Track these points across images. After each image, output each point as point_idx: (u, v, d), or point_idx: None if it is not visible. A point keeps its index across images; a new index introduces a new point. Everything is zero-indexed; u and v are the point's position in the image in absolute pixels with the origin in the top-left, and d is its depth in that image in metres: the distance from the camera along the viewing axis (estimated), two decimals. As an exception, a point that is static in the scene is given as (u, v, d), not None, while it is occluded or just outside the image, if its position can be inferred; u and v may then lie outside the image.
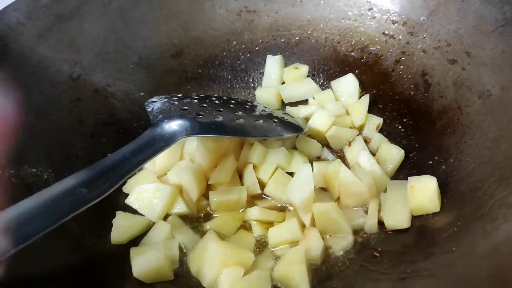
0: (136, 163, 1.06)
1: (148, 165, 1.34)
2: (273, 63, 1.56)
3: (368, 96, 1.44)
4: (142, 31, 1.51)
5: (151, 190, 1.25)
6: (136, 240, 1.21)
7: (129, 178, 1.29)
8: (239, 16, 1.61)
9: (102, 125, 1.38)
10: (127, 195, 1.27)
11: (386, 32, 1.47)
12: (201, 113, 1.20)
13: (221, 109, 1.25)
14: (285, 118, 1.33)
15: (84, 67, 1.39)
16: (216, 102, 1.31)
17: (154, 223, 1.23)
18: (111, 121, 1.40)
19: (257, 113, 1.29)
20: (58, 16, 1.36)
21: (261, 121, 1.24)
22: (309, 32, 1.59)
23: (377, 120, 1.42)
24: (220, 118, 1.20)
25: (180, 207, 1.26)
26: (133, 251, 1.15)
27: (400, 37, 1.44)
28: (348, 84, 1.48)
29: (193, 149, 1.32)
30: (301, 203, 1.16)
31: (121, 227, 1.20)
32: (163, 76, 1.53)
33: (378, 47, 1.49)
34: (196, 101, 1.29)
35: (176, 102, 1.27)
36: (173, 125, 1.15)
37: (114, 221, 1.21)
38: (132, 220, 1.22)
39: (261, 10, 1.61)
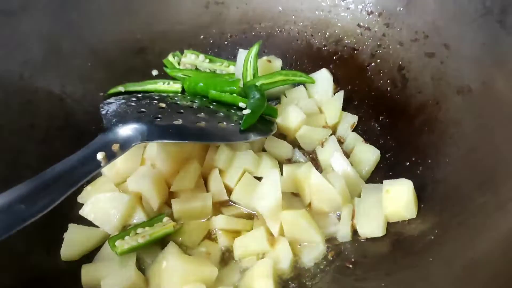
0: (84, 173, 0.97)
1: (106, 171, 1.24)
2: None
3: (342, 93, 1.35)
4: (100, 26, 1.40)
5: (107, 200, 1.15)
6: (89, 256, 1.11)
7: (83, 187, 1.21)
8: (206, 9, 1.51)
9: (57, 129, 1.28)
10: (82, 205, 1.17)
11: (361, 23, 1.38)
12: (159, 115, 1.11)
13: (182, 111, 1.16)
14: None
15: (35, 66, 1.29)
16: (178, 103, 1.22)
17: (110, 236, 1.13)
18: (67, 125, 1.30)
19: (221, 114, 1.20)
20: (2, 11, 1.25)
21: (224, 123, 1.15)
22: (280, 24, 1.50)
23: (352, 119, 1.33)
24: (180, 121, 1.11)
25: (139, 217, 1.17)
26: (86, 268, 1.06)
27: (376, 29, 1.35)
28: (322, 80, 1.39)
29: (155, 154, 1.23)
30: (268, 212, 1.08)
31: (73, 241, 1.10)
32: (125, 74, 1.42)
33: (353, 39, 1.40)
34: (155, 102, 1.20)
35: (133, 104, 1.17)
36: (128, 130, 1.06)
37: (66, 234, 1.11)
38: (86, 233, 1.13)
39: (229, 2, 1.51)
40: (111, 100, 1.21)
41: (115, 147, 1.03)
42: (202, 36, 1.52)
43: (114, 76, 1.41)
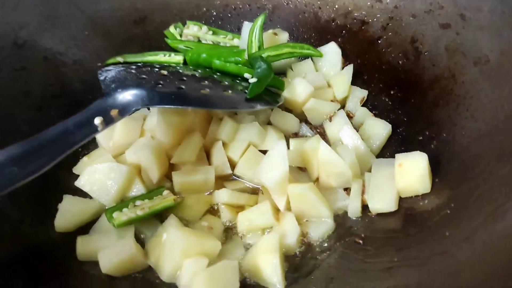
0: (81, 137, 0.92)
1: (103, 143, 1.18)
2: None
3: (351, 67, 1.30)
4: (99, -7, 1.34)
5: (104, 171, 1.09)
6: (84, 228, 1.05)
7: (79, 158, 1.16)
8: (209, -21, 1.45)
9: (52, 97, 1.22)
10: (77, 176, 1.10)
11: (372, -5, 1.32)
12: (161, 82, 1.05)
13: (185, 78, 1.10)
14: None
15: (31, 32, 1.23)
16: (180, 71, 1.16)
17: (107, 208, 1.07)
18: (62, 93, 1.24)
19: (226, 83, 1.14)
20: (-4, -28, 1.19)
21: (229, 91, 1.09)
22: (287, -5, 1.44)
23: (362, 93, 1.28)
24: (183, 88, 1.05)
25: (138, 190, 1.10)
26: (81, 240, 1.00)
27: (388, 0, 1.29)
28: (330, 53, 1.33)
29: (154, 125, 1.17)
30: (274, 185, 1.02)
31: (68, 212, 1.05)
32: (124, 44, 1.37)
33: (363, 12, 1.34)
34: (156, 69, 1.14)
35: (133, 71, 1.11)
36: (127, 95, 1.00)
37: (60, 205, 1.05)
38: (81, 205, 1.07)
39: (235, -28, 1.45)
40: (110, 67, 1.15)
41: (114, 112, 0.98)
42: (205, 8, 1.46)
43: (112, 46, 1.35)
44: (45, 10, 1.26)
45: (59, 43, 1.27)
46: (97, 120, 0.95)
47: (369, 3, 1.33)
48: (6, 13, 1.20)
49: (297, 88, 1.22)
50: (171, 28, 1.41)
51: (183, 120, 1.15)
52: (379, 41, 1.30)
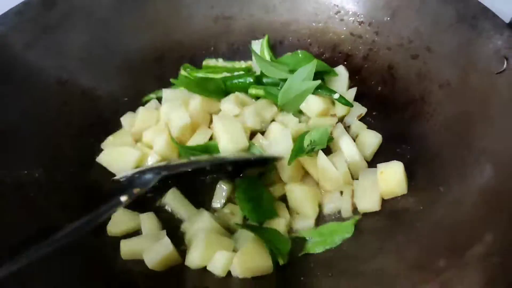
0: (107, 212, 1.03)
1: (127, 126, 1.48)
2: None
3: (355, 89, 1.50)
4: (125, 38, 1.59)
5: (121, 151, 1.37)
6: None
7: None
8: (215, 24, 1.69)
9: (88, 126, 1.46)
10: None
11: (354, 32, 1.56)
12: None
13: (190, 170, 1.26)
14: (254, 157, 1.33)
15: (71, 72, 1.48)
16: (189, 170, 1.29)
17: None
18: (97, 122, 1.48)
19: (229, 168, 1.32)
20: (44, 27, 1.45)
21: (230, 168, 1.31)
22: (282, 34, 1.67)
23: (361, 110, 1.47)
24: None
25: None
26: (124, 243, 1.22)
27: (367, 36, 1.53)
28: (340, 75, 1.53)
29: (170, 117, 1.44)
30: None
31: (120, 222, 1.27)
32: (145, 78, 1.61)
33: (348, 46, 1.57)
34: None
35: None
36: (146, 176, 1.12)
37: (113, 215, 1.25)
38: (130, 217, 1.29)
39: (236, 16, 1.69)
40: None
41: (136, 190, 1.07)
42: (212, 48, 1.69)
43: (135, 79, 1.59)
44: (81, 53, 1.50)
45: (93, 80, 1.51)
46: (123, 198, 1.03)
47: (352, 39, 1.56)
48: (50, 57, 1.45)
49: (311, 104, 1.43)
50: (182, 72, 1.63)
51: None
52: (362, 70, 1.54)
